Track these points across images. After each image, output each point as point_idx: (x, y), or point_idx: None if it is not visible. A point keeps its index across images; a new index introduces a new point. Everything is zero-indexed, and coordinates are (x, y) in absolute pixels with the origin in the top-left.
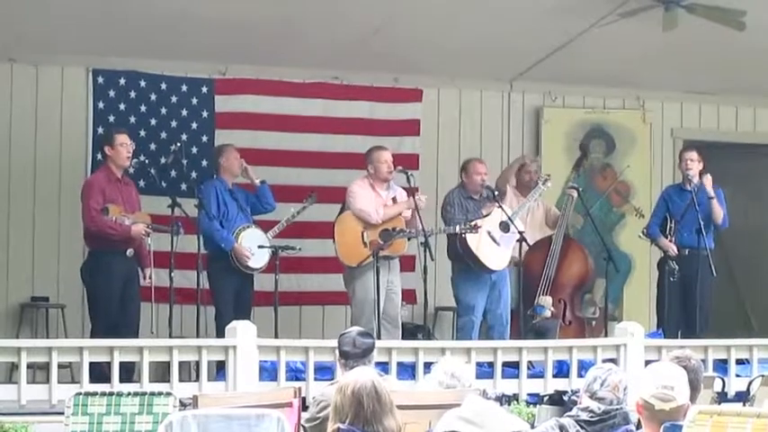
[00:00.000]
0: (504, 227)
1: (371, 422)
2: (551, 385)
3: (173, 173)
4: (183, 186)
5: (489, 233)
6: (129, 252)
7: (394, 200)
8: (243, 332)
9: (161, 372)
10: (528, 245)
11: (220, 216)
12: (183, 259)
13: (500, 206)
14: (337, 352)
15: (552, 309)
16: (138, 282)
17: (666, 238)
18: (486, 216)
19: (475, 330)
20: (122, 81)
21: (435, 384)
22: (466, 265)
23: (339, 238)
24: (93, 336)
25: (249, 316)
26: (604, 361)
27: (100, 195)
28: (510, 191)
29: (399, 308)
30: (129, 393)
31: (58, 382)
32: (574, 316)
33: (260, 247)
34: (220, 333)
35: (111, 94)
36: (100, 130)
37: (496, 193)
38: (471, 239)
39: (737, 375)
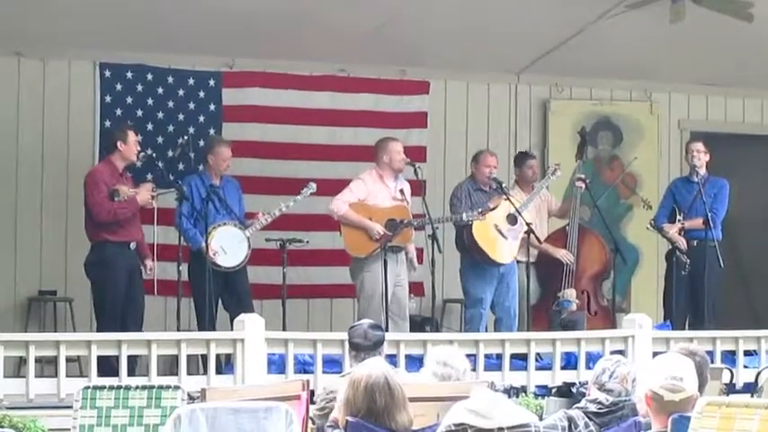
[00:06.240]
0: (512, 219)
1: (384, 417)
2: (559, 377)
3: (180, 166)
4: None
5: (496, 226)
6: (132, 245)
7: (402, 191)
8: (251, 325)
9: (168, 365)
10: (537, 238)
11: (195, 213)
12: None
13: (508, 198)
14: (347, 344)
15: (577, 301)
16: (141, 275)
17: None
18: (494, 209)
19: (483, 323)
20: (129, 75)
21: (430, 376)
22: (474, 257)
23: (346, 228)
24: (99, 330)
25: (244, 310)
26: (612, 353)
27: (104, 187)
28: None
29: (407, 300)
30: (137, 387)
31: (66, 376)
32: (598, 305)
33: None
34: (200, 327)
35: (119, 87)
36: (107, 123)
37: (504, 184)
38: (478, 233)
39: (745, 367)
